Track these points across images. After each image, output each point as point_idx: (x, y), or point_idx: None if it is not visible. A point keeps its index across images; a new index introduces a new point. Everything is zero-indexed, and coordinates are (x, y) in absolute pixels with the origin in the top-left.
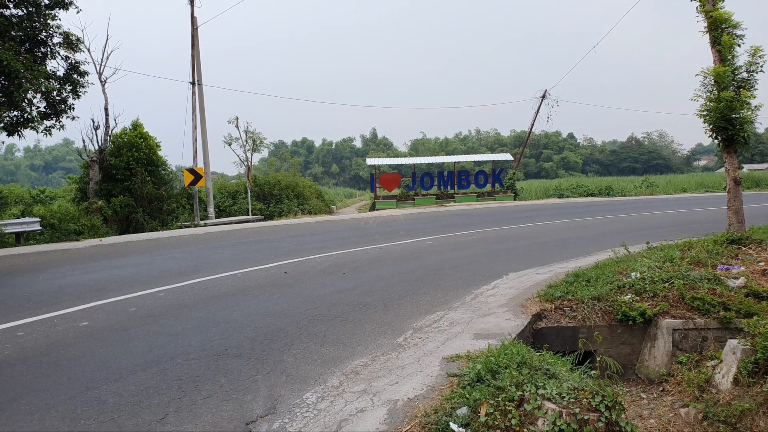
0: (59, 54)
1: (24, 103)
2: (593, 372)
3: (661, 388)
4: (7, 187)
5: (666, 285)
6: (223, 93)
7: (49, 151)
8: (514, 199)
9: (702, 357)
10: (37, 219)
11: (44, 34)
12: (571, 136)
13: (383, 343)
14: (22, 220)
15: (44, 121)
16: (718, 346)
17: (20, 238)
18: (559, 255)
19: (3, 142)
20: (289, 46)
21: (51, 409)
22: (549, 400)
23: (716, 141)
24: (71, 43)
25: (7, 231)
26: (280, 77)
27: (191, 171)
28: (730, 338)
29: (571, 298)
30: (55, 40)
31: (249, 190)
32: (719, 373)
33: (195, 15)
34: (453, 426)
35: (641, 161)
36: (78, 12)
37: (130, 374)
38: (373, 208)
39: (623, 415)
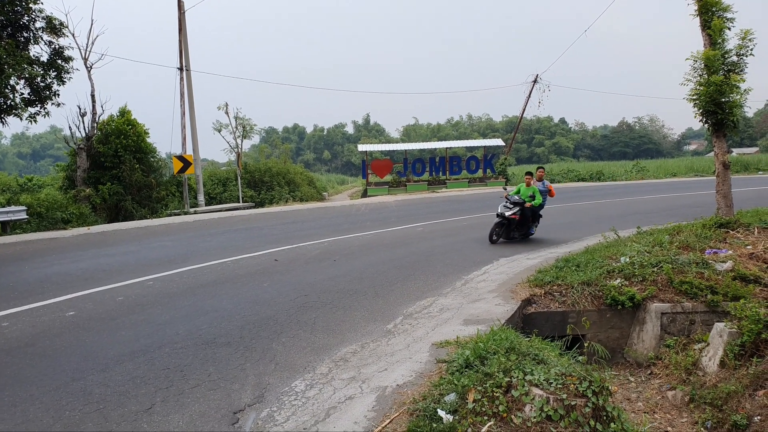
0: (42, 39)
1: (7, 90)
2: (581, 357)
3: (649, 372)
4: None
5: (655, 269)
6: (213, 79)
7: (37, 138)
8: (506, 185)
9: (689, 340)
10: (24, 208)
11: (26, 18)
12: (562, 121)
13: (373, 330)
14: (7, 209)
15: (28, 107)
16: (706, 330)
17: (6, 228)
18: (549, 240)
19: None
20: (280, 31)
21: (35, 401)
22: (536, 386)
23: (706, 125)
24: (54, 27)
25: None
26: (270, 62)
27: (180, 158)
28: (717, 321)
29: (560, 283)
30: (38, 24)
31: (239, 177)
32: (706, 356)
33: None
34: (441, 413)
35: (632, 146)
36: None
37: (117, 364)
38: (364, 194)
39: (610, 400)
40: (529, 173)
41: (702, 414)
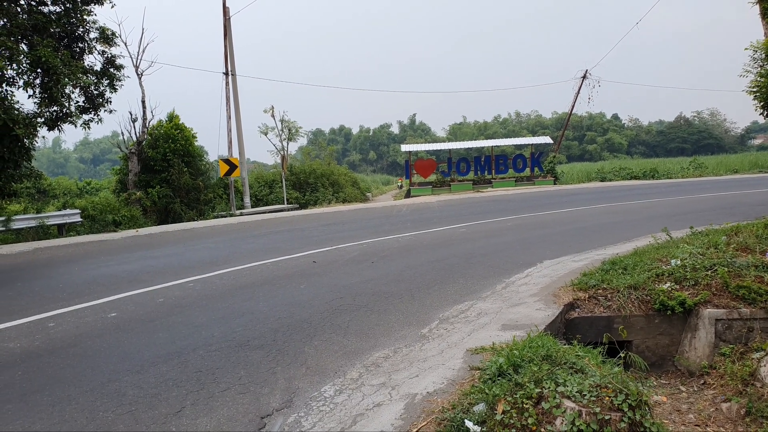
0: (96, 49)
1: (62, 98)
2: (616, 368)
3: (701, 381)
4: (56, 180)
5: (709, 273)
6: (260, 83)
7: (97, 143)
8: (554, 183)
9: (747, 349)
10: (78, 211)
11: (81, 29)
12: (615, 117)
13: (407, 335)
14: (63, 212)
15: (83, 115)
16: (765, 337)
17: (62, 230)
18: (597, 241)
19: (44, 137)
20: (327, 33)
21: (72, 401)
22: (569, 398)
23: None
24: (107, 37)
25: (49, 223)
26: (318, 65)
27: (226, 161)
28: None
29: (606, 287)
30: (92, 35)
31: (284, 179)
32: (765, 366)
33: (227, 5)
34: (468, 423)
35: (690, 141)
36: (113, 6)
37: (152, 366)
38: (408, 195)
39: (650, 415)
40: None
41: (759, 429)
